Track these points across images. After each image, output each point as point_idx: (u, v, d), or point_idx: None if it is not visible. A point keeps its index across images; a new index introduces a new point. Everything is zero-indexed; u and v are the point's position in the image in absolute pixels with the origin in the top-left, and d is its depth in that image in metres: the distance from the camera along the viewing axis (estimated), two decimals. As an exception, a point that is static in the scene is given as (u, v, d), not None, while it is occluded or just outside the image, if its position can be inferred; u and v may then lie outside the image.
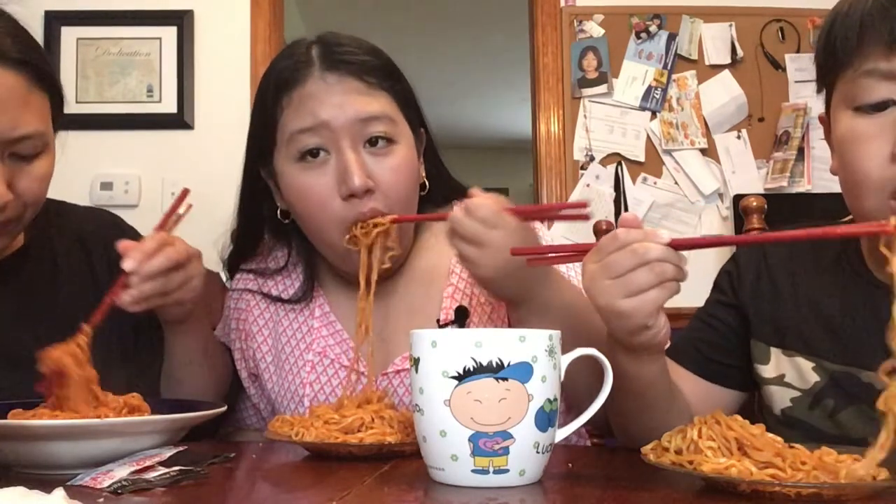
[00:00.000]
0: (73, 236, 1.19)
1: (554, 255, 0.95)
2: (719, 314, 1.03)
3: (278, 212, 1.15)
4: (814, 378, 0.93)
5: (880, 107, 0.82)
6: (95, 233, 1.20)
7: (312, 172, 1.06)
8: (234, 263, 1.27)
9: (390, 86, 1.09)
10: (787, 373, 0.95)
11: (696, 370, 1.02)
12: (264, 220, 1.20)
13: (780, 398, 0.96)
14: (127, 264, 0.93)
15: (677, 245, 0.80)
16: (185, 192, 1.07)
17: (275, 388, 1.18)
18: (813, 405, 0.93)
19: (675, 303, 1.10)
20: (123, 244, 0.96)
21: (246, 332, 1.22)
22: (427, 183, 1.16)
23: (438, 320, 1.12)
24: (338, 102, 1.05)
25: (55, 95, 1.05)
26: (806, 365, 0.93)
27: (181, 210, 1.06)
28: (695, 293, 1.10)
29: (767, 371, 0.97)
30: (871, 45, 0.81)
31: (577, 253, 0.91)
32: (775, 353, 0.97)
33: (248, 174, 1.18)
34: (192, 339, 1.07)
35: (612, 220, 2.84)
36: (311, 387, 1.15)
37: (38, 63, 1.00)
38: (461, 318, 1.13)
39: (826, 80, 0.89)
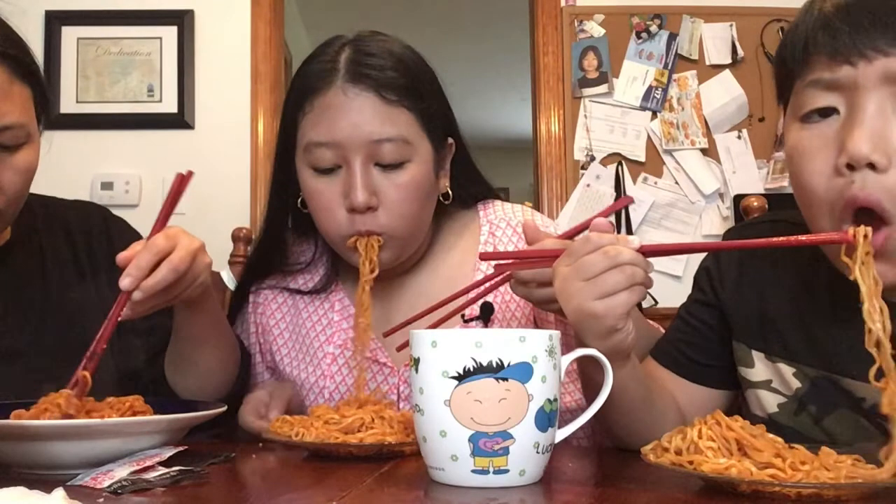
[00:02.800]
0: (59, 229, 1.19)
1: (523, 259, 0.97)
2: (699, 314, 1.02)
3: (299, 201, 1.16)
4: (796, 384, 0.93)
5: (824, 113, 0.81)
6: (80, 224, 1.21)
7: (324, 180, 1.09)
8: (257, 271, 1.26)
9: (411, 104, 1.08)
10: (774, 378, 0.95)
11: (679, 372, 1.02)
12: (288, 211, 1.21)
13: (769, 403, 0.95)
14: (123, 282, 0.89)
15: (646, 251, 0.83)
16: (184, 177, 1.02)
17: (295, 381, 1.20)
18: (798, 411, 0.93)
19: (672, 303, 1.10)
20: (121, 257, 0.91)
21: (263, 326, 1.24)
22: (450, 192, 1.18)
23: (463, 315, 1.13)
24: (353, 121, 1.05)
25: (38, 89, 1.05)
26: (788, 370, 0.93)
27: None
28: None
29: (754, 375, 0.97)
30: (815, 57, 0.81)
31: (546, 258, 0.93)
32: (758, 356, 0.96)
33: (277, 161, 1.18)
34: (203, 319, 1.06)
35: (613, 220, 2.85)
36: (333, 379, 1.17)
37: (19, 56, 1.01)
38: (486, 314, 1.14)
39: (782, 94, 0.89)
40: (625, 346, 0.85)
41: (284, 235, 1.23)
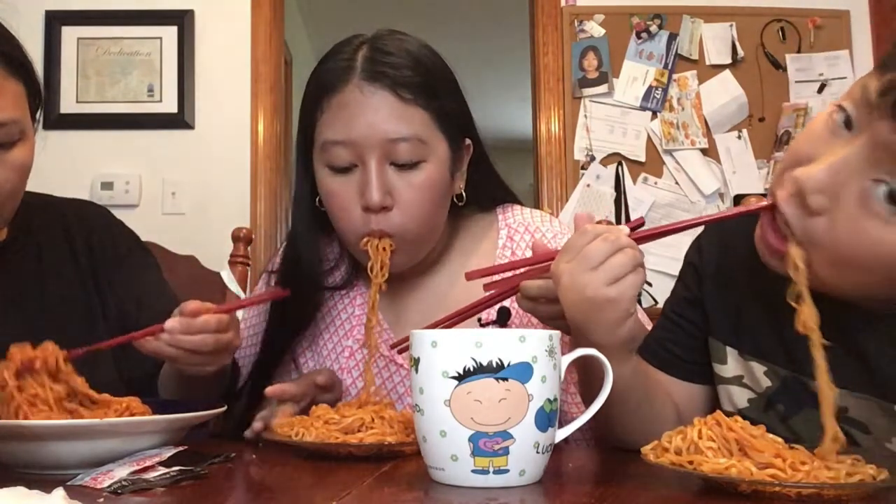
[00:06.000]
0: (56, 228, 1.19)
1: (514, 272, 0.96)
2: (686, 313, 1.02)
3: (317, 199, 1.15)
4: (766, 382, 0.93)
5: (848, 123, 0.77)
6: (78, 224, 1.21)
7: (339, 179, 1.08)
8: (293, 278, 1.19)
9: (427, 102, 1.08)
10: (745, 374, 0.96)
11: (669, 370, 1.02)
12: (313, 210, 1.17)
13: (739, 398, 0.96)
14: (168, 324, 0.93)
15: (633, 237, 0.86)
16: (279, 293, 1.10)
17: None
18: (767, 408, 0.93)
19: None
20: (190, 308, 0.94)
21: None
22: (464, 194, 1.16)
23: (480, 319, 1.13)
24: (369, 121, 1.05)
25: (31, 85, 1.05)
26: (759, 369, 0.94)
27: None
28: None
29: (726, 371, 0.97)
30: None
31: (536, 268, 0.92)
32: (732, 353, 0.97)
33: (298, 161, 1.17)
34: (200, 381, 1.06)
35: (613, 220, 2.85)
36: (350, 373, 1.17)
37: (11, 52, 1.01)
38: (503, 318, 1.14)
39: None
40: (634, 332, 0.86)
41: (315, 236, 1.18)
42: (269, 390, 1.02)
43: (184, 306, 0.94)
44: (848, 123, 0.77)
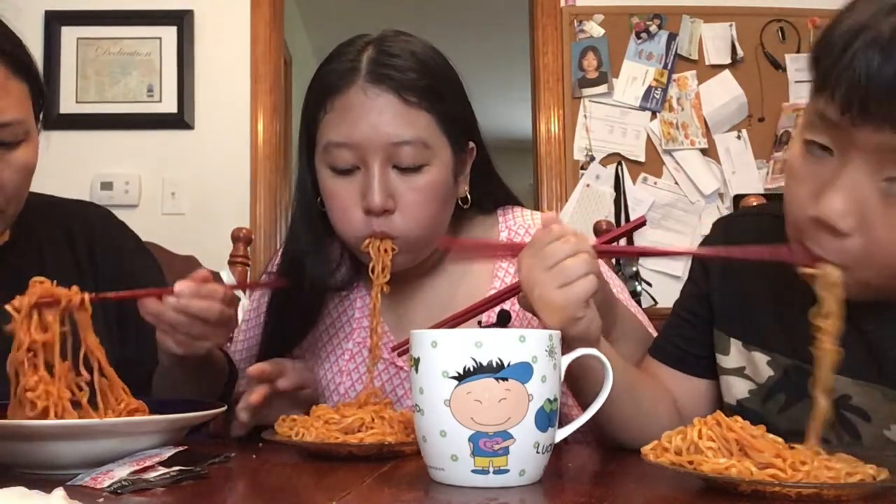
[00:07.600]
0: (59, 229, 1.19)
1: (489, 252, 0.99)
2: (696, 309, 1.03)
3: (318, 200, 1.14)
4: (768, 372, 0.94)
5: (823, 147, 0.79)
6: (80, 225, 1.20)
7: (342, 180, 1.08)
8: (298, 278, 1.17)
9: (431, 106, 1.07)
10: (747, 365, 0.97)
11: (681, 368, 1.02)
12: (314, 210, 1.16)
13: (739, 389, 0.97)
14: (178, 286, 0.93)
15: (597, 249, 0.88)
16: (280, 282, 1.14)
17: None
18: (766, 399, 0.94)
19: (672, 303, 1.10)
20: (201, 275, 0.95)
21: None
22: (469, 197, 1.16)
23: (480, 322, 1.12)
24: (373, 123, 1.04)
25: (35, 85, 1.05)
26: (762, 359, 0.95)
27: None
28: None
29: (728, 362, 0.98)
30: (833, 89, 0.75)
31: (512, 250, 0.95)
32: (735, 344, 0.98)
33: (300, 161, 1.17)
34: (193, 367, 1.06)
35: (613, 220, 2.85)
36: (350, 376, 1.17)
37: (15, 52, 1.01)
38: (503, 321, 1.13)
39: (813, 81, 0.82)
40: (589, 333, 0.86)
41: (319, 236, 1.16)
42: (250, 370, 1.04)
43: (194, 274, 0.95)
44: (826, 149, 0.78)
